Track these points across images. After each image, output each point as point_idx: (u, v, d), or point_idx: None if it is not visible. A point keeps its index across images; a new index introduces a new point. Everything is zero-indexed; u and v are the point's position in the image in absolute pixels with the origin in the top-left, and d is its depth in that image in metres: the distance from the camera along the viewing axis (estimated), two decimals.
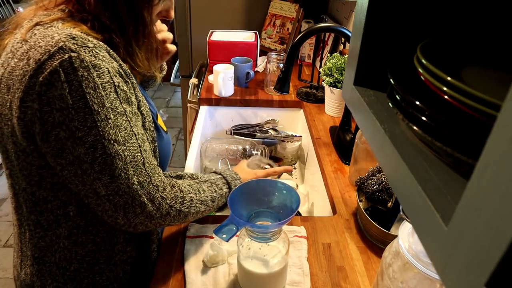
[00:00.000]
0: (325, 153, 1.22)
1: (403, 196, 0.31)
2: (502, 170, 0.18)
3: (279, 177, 1.30)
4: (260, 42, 1.92)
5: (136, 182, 0.63)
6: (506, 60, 0.36)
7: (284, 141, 1.44)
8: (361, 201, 0.91)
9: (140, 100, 0.68)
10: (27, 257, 0.73)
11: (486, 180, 0.20)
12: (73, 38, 0.58)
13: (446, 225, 0.24)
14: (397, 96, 0.36)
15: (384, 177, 0.90)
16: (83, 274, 0.73)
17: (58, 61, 0.56)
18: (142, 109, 0.69)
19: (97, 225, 0.71)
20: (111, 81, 0.60)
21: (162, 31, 0.90)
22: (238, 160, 1.35)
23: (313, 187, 1.28)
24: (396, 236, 0.59)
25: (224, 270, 0.77)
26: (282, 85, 1.22)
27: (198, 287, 0.73)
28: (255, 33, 1.80)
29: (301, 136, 1.47)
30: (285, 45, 1.97)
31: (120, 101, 0.61)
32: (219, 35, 1.78)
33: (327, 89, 1.41)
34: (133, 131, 0.63)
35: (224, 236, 0.62)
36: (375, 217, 0.84)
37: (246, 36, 1.79)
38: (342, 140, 1.22)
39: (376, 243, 0.85)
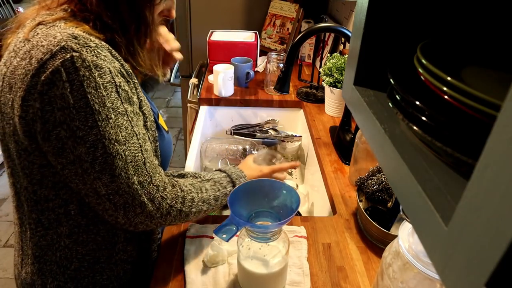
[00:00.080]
0: (325, 153, 1.22)
1: (403, 196, 0.31)
2: (502, 170, 0.18)
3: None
4: (260, 42, 1.92)
5: (136, 182, 0.63)
6: (506, 60, 0.36)
7: (284, 141, 1.44)
8: (361, 201, 0.91)
9: (141, 99, 0.68)
10: (28, 255, 0.73)
11: (486, 180, 0.20)
12: (75, 37, 0.58)
13: (446, 225, 0.24)
14: (397, 96, 0.36)
15: (384, 177, 0.90)
16: (84, 273, 0.73)
17: (60, 60, 0.56)
18: (143, 108, 0.69)
19: (98, 224, 0.71)
20: (113, 81, 0.60)
21: (169, 40, 0.93)
22: (238, 160, 1.35)
23: (313, 187, 1.29)
24: (396, 236, 0.59)
25: (224, 270, 0.77)
26: (282, 85, 1.22)
27: (198, 287, 0.73)
28: (255, 33, 1.80)
29: (301, 136, 1.47)
30: (285, 45, 1.97)
31: (121, 101, 0.61)
32: (219, 35, 1.78)
33: (327, 89, 1.41)
34: (134, 131, 0.63)
35: (224, 236, 0.62)
36: (375, 217, 0.84)
37: (246, 36, 1.79)
38: (342, 140, 1.22)
39: (376, 243, 0.85)
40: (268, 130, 1.53)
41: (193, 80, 1.72)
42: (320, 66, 1.68)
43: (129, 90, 0.64)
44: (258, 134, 1.47)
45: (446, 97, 0.29)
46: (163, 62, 0.95)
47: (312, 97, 1.58)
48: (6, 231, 2.25)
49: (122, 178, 0.61)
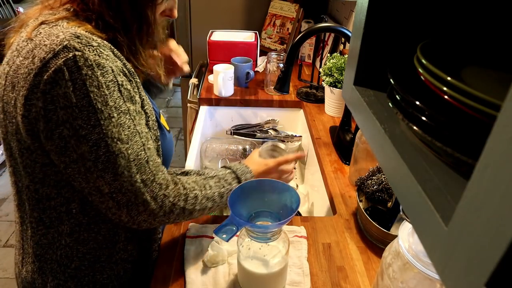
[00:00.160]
0: (325, 153, 1.22)
1: (403, 196, 0.31)
2: (502, 170, 0.18)
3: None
4: (260, 42, 1.92)
5: (139, 180, 0.63)
6: (506, 60, 0.36)
7: (284, 141, 1.44)
8: (361, 201, 0.91)
9: (143, 99, 0.69)
10: (29, 254, 0.73)
11: (486, 180, 0.20)
12: (78, 37, 0.58)
13: (446, 225, 0.24)
14: (397, 96, 0.36)
15: (384, 177, 0.90)
16: (84, 271, 0.73)
17: (63, 59, 0.56)
18: (145, 108, 0.69)
19: (99, 223, 0.71)
20: (115, 80, 0.60)
21: (179, 53, 0.99)
22: (238, 160, 1.35)
23: (313, 187, 1.29)
24: (396, 236, 0.59)
25: (224, 270, 0.77)
26: (282, 85, 1.22)
27: (198, 287, 0.73)
28: (255, 33, 1.80)
29: (301, 136, 1.47)
30: (285, 45, 1.97)
31: (123, 99, 0.62)
32: (219, 35, 1.78)
33: (327, 89, 1.41)
34: (136, 129, 0.63)
35: (224, 236, 0.62)
36: (375, 217, 0.84)
37: (246, 36, 1.79)
38: (342, 140, 1.22)
39: (376, 243, 0.85)
40: (268, 130, 1.53)
41: (193, 80, 1.72)
42: (320, 66, 1.68)
43: (131, 89, 0.64)
44: (258, 134, 1.47)
45: (446, 97, 0.29)
46: (169, 72, 1.03)
47: (312, 97, 1.58)
48: (6, 231, 2.25)
49: (125, 177, 0.62)
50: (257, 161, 0.90)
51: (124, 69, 0.64)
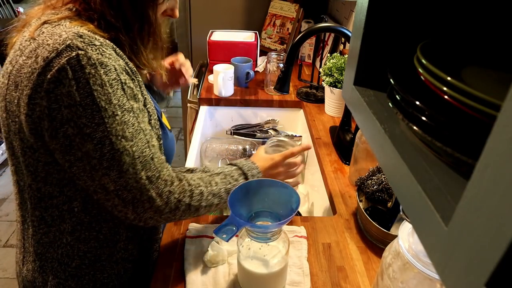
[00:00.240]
0: (325, 153, 1.22)
1: (403, 196, 0.31)
2: (502, 170, 0.18)
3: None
4: (260, 42, 1.92)
5: (144, 177, 0.63)
6: (506, 60, 0.36)
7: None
8: (361, 201, 0.91)
9: (146, 97, 0.69)
10: (29, 253, 0.73)
11: (486, 180, 0.20)
12: (80, 36, 0.59)
13: (446, 225, 0.24)
14: (397, 96, 0.36)
15: (384, 177, 0.90)
16: (84, 270, 0.73)
17: (66, 58, 0.56)
18: (148, 106, 0.69)
19: (101, 222, 0.71)
20: (118, 78, 0.61)
21: (187, 66, 1.05)
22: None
23: (313, 187, 1.29)
24: (396, 236, 0.59)
25: (224, 270, 0.77)
26: (282, 85, 1.22)
27: (198, 287, 0.73)
28: (255, 33, 1.80)
29: (301, 136, 1.47)
30: (285, 45, 1.97)
31: (127, 97, 0.62)
32: (219, 35, 1.78)
33: (327, 89, 1.41)
34: (140, 127, 0.64)
35: (224, 236, 0.62)
36: (375, 217, 0.84)
37: (246, 36, 1.79)
38: (342, 140, 1.22)
39: (376, 243, 0.85)
40: (268, 130, 1.53)
41: (193, 80, 1.72)
42: (320, 66, 1.68)
43: (134, 87, 0.64)
44: (258, 134, 1.47)
45: (446, 97, 0.29)
46: (174, 83, 1.09)
47: (312, 97, 1.58)
48: (6, 231, 2.25)
49: (130, 174, 0.62)
50: (263, 157, 0.90)
51: (127, 68, 0.64)
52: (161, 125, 0.77)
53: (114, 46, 0.63)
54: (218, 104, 1.58)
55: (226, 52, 1.69)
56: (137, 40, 0.69)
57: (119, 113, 0.60)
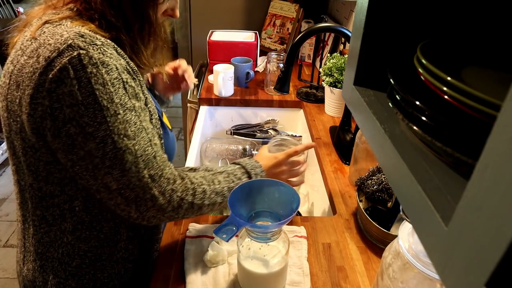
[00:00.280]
0: (325, 153, 1.22)
1: (403, 196, 0.31)
2: (502, 170, 0.18)
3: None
4: (260, 42, 1.92)
5: (147, 176, 0.63)
6: (506, 60, 0.36)
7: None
8: (361, 201, 0.91)
9: (147, 97, 0.69)
10: (30, 252, 0.74)
11: (486, 180, 0.20)
12: (82, 36, 0.59)
13: (446, 225, 0.24)
14: (397, 96, 0.36)
15: (384, 177, 0.90)
16: (85, 270, 0.73)
17: (67, 58, 0.57)
18: (148, 106, 0.69)
19: (102, 222, 0.71)
20: (119, 77, 0.61)
21: (189, 73, 1.08)
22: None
23: (313, 187, 1.28)
24: (396, 236, 0.59)
25: (224, 270, 0.77)
26: (282, 85, 1.22)
27: (198, 287, 0.73)
28: (255, 33, 1.80)
29: (301, 136, 1.47)
30: (285, 45, 1.97)
31: (128, 96, 0.62)
32: (219, 35, 1.78)
33: (327, 89, 1.41)
34: (142, 125, 0.64)
35: (224, 236, 0.62)
36: (375, 217, 0.84)
37: (246, 36, 1.79)
38: (342, 140, 1.22)
39: (376, 243, 0.85)
40: (268, 130, 1.53)
41: (193, 80, 1.72)
42: (320, 66, 1.68)
43: (135, 86, 0.65)
44: (258, 134, 1.47)
45: (446, 97, 0.29)
46: (176, 87, 1.12)
47: (312, 97, 1.58)
48: (6, 231, 2.25)
49: (133, 172, 0.62)
50: (267, 156, 0.90)
51: (128, 67, 0.64)
52: (162, 124, 0.77)
53: (115, 46, 0.64)
54: (218, 104, 1.58)
55: (226, 52, 1.69)
56: (137, 39, 0.70)
57: (121, 112, 0.60)
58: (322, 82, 1.40)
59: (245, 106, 1.58)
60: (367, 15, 0.42)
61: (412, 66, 0.36)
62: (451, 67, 0.32)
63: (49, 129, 0.59)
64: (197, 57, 2.15)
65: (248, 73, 1.61)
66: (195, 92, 1.67)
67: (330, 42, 1.76)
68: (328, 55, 1.48)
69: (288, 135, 1.48)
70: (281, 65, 1.53)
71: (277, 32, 2.00)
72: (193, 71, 1.89)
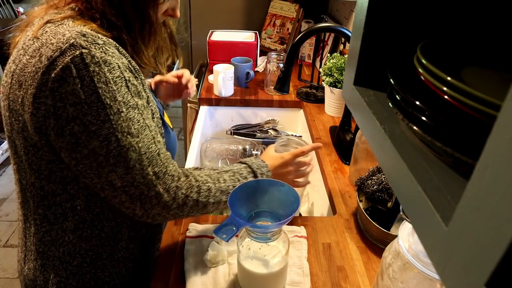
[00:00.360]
0: (325, 153, 1.22)
1: (403, 196, 0.31)
2: (502, 170, 0.18)
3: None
4: (260, 42, 1.92)
5: (151, 173, 0.63)
6: (506, 60, 0.36)
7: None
8: (361, 201, 0.91)
9: (148, 96, 0.70)
10: (31, 252, 0.74)
11: (486, 180, 0.20)
12: (84, 35, 0.59)
13: (446, 225, 0.24)
14: (397, 96, 0.36)
15: (384, 177, 0.90)
16: (86, 268, 0.73)
17: (70, 57, 0.57)
18: (150, 105, 0.70)
19: (103, 221, 0.71)
20: (122, 76, 0.61)
21: (192, 82, 1.12)
22: (238, 160, 1.35)
23: (313, 187, 1.28)
24: (396, 236, 0.59)
25: (224, 270, 0.77)
26: (282, 85, 1.22)
27: (198, 287, 0.73)
28: (255, 33, 1.80)
29: (301, 136, 1.47)
30: (285, 45, 1.97)
31: (131, 94, 0.62)
32: (219, 35, 1.78)
33: (327, 89, 1.41)
34: (145, 123, 0.64)
35: (224, 236, 0.62)
36: (375, 217, 0.84)
37: (246, 36, 1.79)
38: (342, 140, 1.22)
39: (376, 243, 0.85)
40: (268, 130, 1.53)
41: (194, 91, 1.72)
42: (320, 66, 1.68)
43: (138, 85, 0.65)
44: (258, 134, 1.47)
45: (446, 97, 0.29)
46: (176, 95, 1.14)
47: (312, 97, 1.58)
48: (6, 231, 2.25)
49: (137, 170, 0.62)
50: (273, 156, 0.90)
51: (130, 66, 0.65)
52: (163, 123, 0.78)
53: (117, 45, 0.64)
54: (218, 104, 1.58)
55: (226, 52, 1.69)
56: (138, 39, 0.70)
57: (124, 110, 0.60)
58: (322, 82, 1.40)
59: (245, 106, 1.58)
60: (367, 15, 0.42)
61: (412, 66, 0.36)
62: (451, 67, 0.32)
63: (52, 128, 0.60)
64: (197, 57, 2.15)
65: (248, 73, 1.61)
66: (195, 93, 1.67)
67: (330, 42, 1.76)
68: (328, 55, 1.48)
69: (288, 135, 1.48)
70: (281, 65, 1.53)
71: (277, 32, 2.00)
72: (193, 71, 1.89)
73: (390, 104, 0.37)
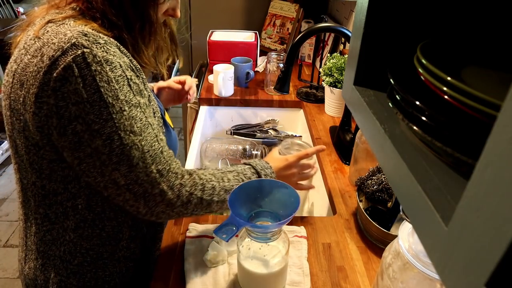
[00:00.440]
0: (325, 153, 1.22)
1: (403, 196, 0.31)
2: (502, 170, 0.18)
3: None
4: (260, 42, 1.92)
5: (154, 171, 0.64)
6: (506, 60, 0.36)
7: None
8: (361, 201, 0.91)
9: (149, 95, 0.70)
10: (32, 251, 0.74)
11: (486, 180, 0.20)
12: (85, 35, 0.59)
13: (446, 225, 0.24)
14: (397, 96, 0.36)
15: (384, 177, 0.90)
16: (86, 268, 0.74)
17: (71, 56, 0.57)
18: (151, 104, 0.70)
19: (104, 220, 0.71)
20: (124, 75, 0.61)
21: (193, 88, 1.14)
22: (238, 160, 1.35)
23: None
24: (396, 236, 0.59)
25: (224, 270, 0.77)
26: (282, 85, 1.22)
27: (198, 287, 0.73)
28: (255, 33, 1.80)
29: (301, 136, 1.47)
30: (285, 45, 1.97)
31: (133, 93, 0.63)
32: (219, 35, 1.78)
33: (327, 89, 1.41)
34: (148, 121, 0.64)
35: (224, 236, 0.62)
36: (375, 217, 0.84)
37: (246, 36, 1.79)
38: (342, 140, 1.22)
39: (376, 243, 0.85)
40: (268, 130, 1.53)
41: (193, 80, 1.72)
42: (320, 66, 1.68)
43: (139, 84, 0.65)
44: (258, 134, 1.47)
45: (446, 97, 0.29)
46: (176, 100, 1.16)
47: (312, 97, 1.58)
48: (6, 231, 2.25)
49: (140, 168, 0.62)
50: (277, 157, 0.90)
51: (131, 65, 0.65)
52: (164, 123, 0.78)
53: (118, 44, 0.64)
54: (218, 104, 1.58)
55: (226, 52, 1.69)
56: (138, 39, 0.70)
57: (126, 108, 0.61)
58: (322, 82, 1.40)
59: (245, 106, 1.58)
60: (367, 15, 0.42)
61: (412, 66, 0.36)
62: (451, 67, 0.32)
63: (55, 127, 0.60)
64: (197, 57, 2.15)
65: (248, 73, 1.61)
66: (195, 99, 1.68)
67: (330, 42, 1.76)
68: (328, 55, 1.48)
69: (288, 135, 1.48)
70: (281, 65, 1.53)
71: (277, 32, 2.00)
72: (193, 71, 1.89)
73: (390, 104, 0.37)
